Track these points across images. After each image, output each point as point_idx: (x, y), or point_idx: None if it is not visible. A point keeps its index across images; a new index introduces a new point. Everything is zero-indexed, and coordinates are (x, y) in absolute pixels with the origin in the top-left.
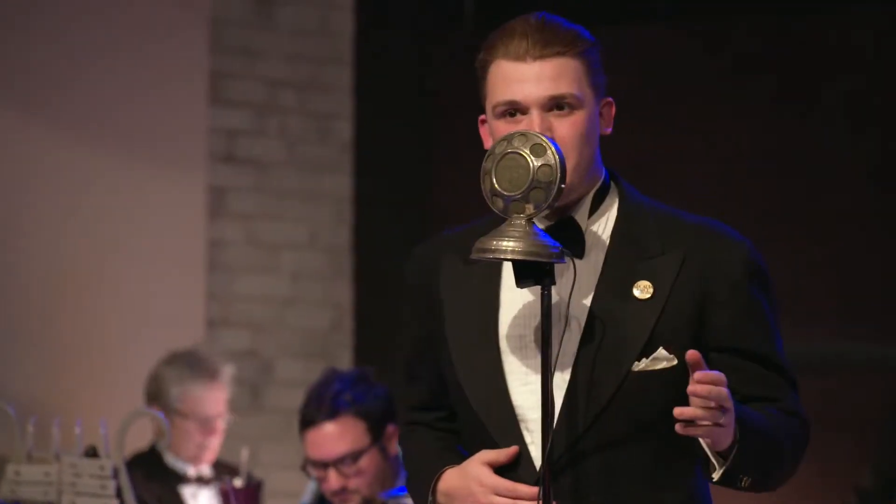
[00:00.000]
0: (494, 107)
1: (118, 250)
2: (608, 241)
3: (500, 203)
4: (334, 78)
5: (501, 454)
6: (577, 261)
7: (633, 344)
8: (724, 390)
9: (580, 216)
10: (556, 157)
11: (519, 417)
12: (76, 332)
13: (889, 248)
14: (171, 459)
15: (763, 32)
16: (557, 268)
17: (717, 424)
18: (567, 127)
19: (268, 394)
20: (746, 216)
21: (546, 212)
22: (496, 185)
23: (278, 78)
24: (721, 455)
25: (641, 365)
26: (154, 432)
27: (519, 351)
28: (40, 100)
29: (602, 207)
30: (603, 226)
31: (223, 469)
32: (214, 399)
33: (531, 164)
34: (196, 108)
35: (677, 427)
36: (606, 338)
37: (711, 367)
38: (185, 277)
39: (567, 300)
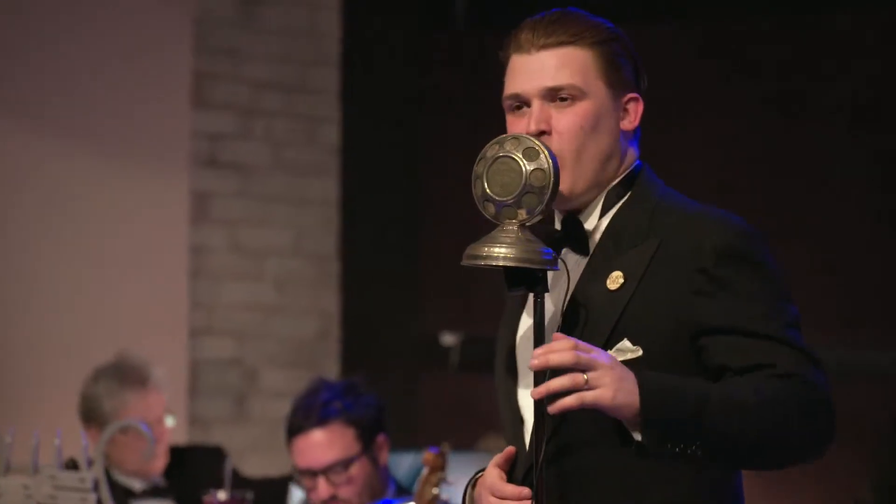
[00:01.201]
0: (504, 101)
1: (98, 257)
2: (600, 237)
3: (491, 208)
4: (321, 80)
5: (501, 456)
6: (582, 260)
7: (598, 336)
8: (569, 353)
9: (589, 213)
10: (550, 161)
11: (523, 419)
12: (56, 341)
13: (890, 251)
14: (118, 476)
15: (763, 33)
16: (556, 274)
17: (581, 389)
18: (567, 118)
19: (253, 404)
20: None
21: (539, 217)
22: (488, 190)
23: (264, 80)
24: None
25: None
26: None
27: (523, 356)
28: (19, 102)
29: (618, 204)
30: (607, 223)
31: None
32: (150, 404)
33: (524, 169)
34: (179, 110)
35: (548, 407)
36: (578, 329)
37: (705, 352)
38: (167, 285)
39: (561, 307)
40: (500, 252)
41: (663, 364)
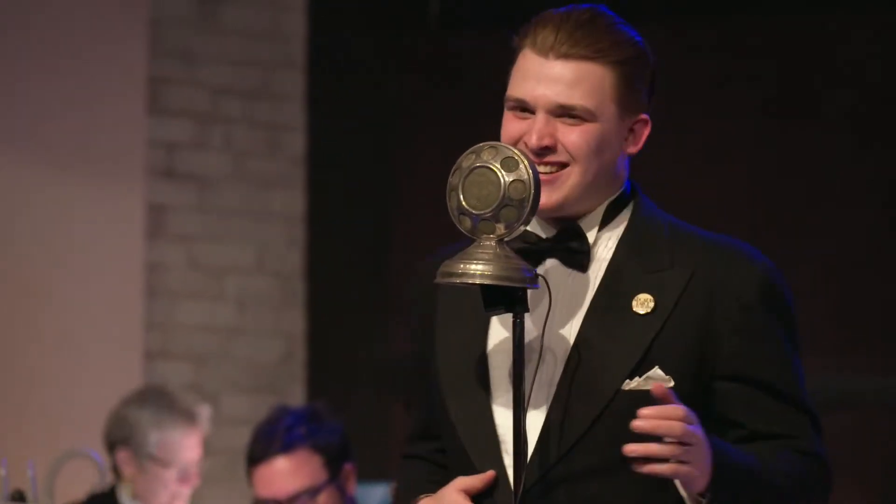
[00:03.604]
0: (506, 99)
1: (46, 274)
2: (612, 253)
3: (467, 222)
4: (285, 85)
5: (478, 480)
6: (578, 274)
7: (626, 360)
8: (679, 424)
9: (588, 226)
10: (530, 172)
11: (500, 443)
12: (1, 365)
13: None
14: None
15: (761, 35)
16: (540, 290)
17: (679, 461)
18: (575, 135)
19: (212, 432)
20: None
21: (519, 232)
22: (463, 203)
23: (223, 85)
24: (702, 496)
25: (633, 384)
26: (110, 474)
27: (504, 375)
28: None
29: (614, 221)
30: (611, 238)
31: None
32: (193, 444)
33: (502, 180)
34: (132, 118)
35: (634, 466)
36: (597, 354)
37: (718, 398)
38: (120, 304)
39: (542, 325)
40: (477, 269)
41: (685, 399)
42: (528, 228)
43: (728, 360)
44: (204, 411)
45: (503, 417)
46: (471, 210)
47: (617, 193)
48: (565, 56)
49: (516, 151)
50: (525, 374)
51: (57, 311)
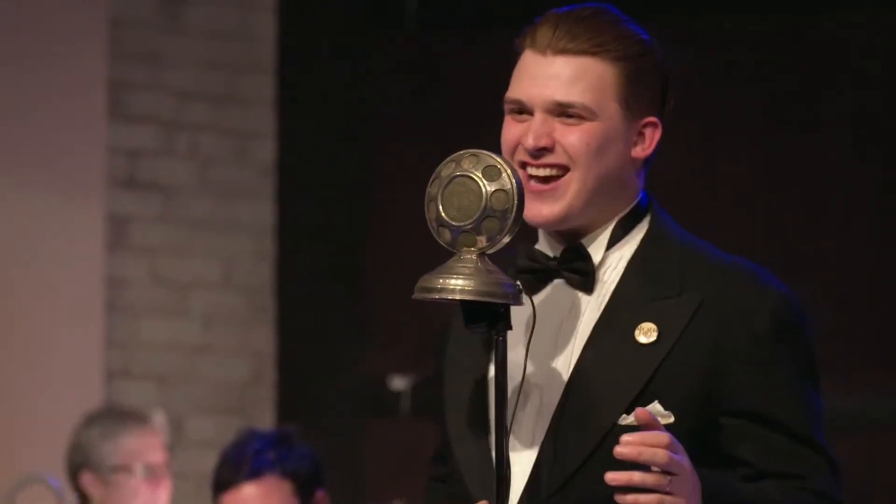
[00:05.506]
0: (505, 102)
1: (1, 289)
2: (619, 277)
3: (447, 234)
4: (254, 89)
5: None
6: (584, 297)
7: (624, 394)
8: (663, 452)
9: (596, 246)
10: (513, 181)
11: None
12: None
13: None
14: None
15: (761, 37)
16: (547, 310)
17: (664, 493)
18: (574, 135)
19: (176, 455)
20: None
21: (501, 245)
22: (443, 214)
23: (189, 89)
24: None
25: (630, 419)
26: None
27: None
28: None
29: (626, 238)
30: (621, 259)
31: None
32: (152, 446)
33: (483, 190)
34: (93, 124)
35: (616, 496)
36: (594, 386)
37: (724, 434)
38: (79, 321)
39: (525, 348)
40: (457, 284)
41: (688, 436)
42: (536, 247)
43: (736, 395)
44: (157, 415)
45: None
46: (450, 222)
47: (629, 207)
48: (563, 51)
49: (499, 160)
50: (508, 399)
51: (10, 328)
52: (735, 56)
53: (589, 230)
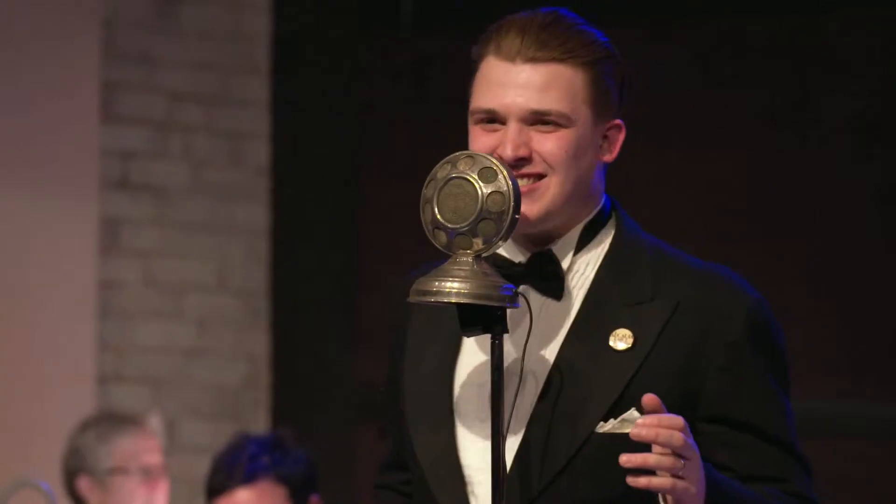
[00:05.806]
0: (472, 113)
1: None
2: (590, 282)
3: (442, 237)
4: (248, 90)
5: None
6: (553, 302)
7: (600, 401)
8: (679, 434)
9: (563, 250)
10: (509, 182)
11: (466, 479)
12: None
13: None
14: None
15: (761, 38)
16: (517, 313)
17: (677, 477)
18: (551, 143)
19: (170, 460)
20: (735, 256)
21: (498, 247)
22: (438, 216)
23: (182, 90)
24: None
25: (607, 426)
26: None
27: (474, 404)
28: None
29: (592, 242)
30: (589, 264)
31: None
32: (148, 448)
33: (479, 192)
34: (86, 125)
35: (628, 479)
36: (569, 393)
37: (702, 440)
38: (71, 325)
39: (522, 350)
40: (453, 287)
41: None
42: (499, 252)
43: (713, 401)
44: (153, 418)
45: (469, 451)
46: (446, 224)
47: (594, 211)
48: (533, 59)
49: (495, 161)
50: (504, 402)
51: (2, 331)
52: (735, 57)
53: (556, 235)
